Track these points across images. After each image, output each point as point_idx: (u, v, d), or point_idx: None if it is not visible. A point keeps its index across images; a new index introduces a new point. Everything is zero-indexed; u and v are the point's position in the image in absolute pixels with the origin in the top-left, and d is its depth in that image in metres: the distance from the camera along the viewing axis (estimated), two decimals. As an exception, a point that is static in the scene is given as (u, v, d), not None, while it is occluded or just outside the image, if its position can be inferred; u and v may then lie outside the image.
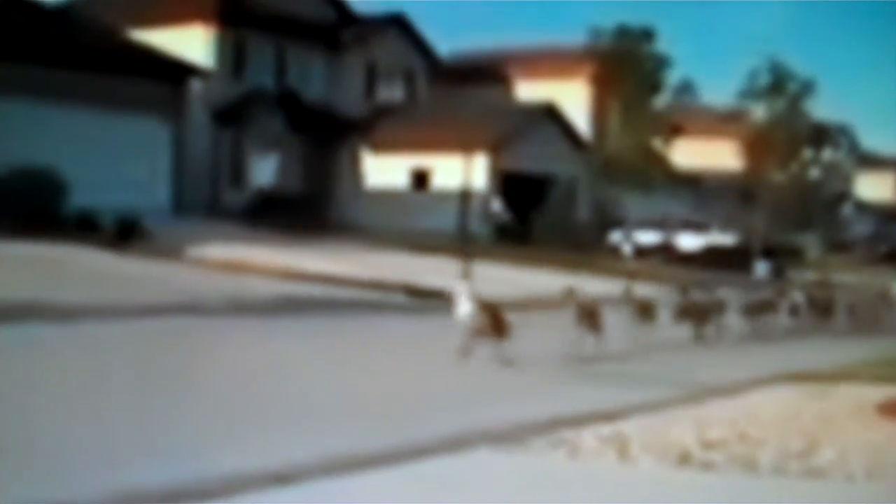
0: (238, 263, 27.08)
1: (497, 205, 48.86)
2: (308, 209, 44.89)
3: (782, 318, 24.03)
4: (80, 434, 9.29)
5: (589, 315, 16.77)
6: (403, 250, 36.70)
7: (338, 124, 50.49)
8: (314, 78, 50.36)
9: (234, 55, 47.24)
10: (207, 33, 46.15)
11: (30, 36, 35.80)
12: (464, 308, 14.95)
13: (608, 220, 54.61)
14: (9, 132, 33.12)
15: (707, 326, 20.99)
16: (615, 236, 53.43)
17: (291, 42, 49.31)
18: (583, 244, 46.71)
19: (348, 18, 52.86)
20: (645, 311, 19.15)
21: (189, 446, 9.02)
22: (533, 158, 50.88)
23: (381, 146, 50.22)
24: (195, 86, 42.31)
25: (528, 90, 58.32)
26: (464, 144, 48.09)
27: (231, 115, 46.31)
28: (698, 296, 22.24)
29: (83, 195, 31.31)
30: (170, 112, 39.60)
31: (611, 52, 57.77)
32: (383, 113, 52.14)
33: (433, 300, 24.39)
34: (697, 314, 20.95)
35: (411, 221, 45.14)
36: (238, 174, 46.96)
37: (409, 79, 55.68)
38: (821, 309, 25.81)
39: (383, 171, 49.83)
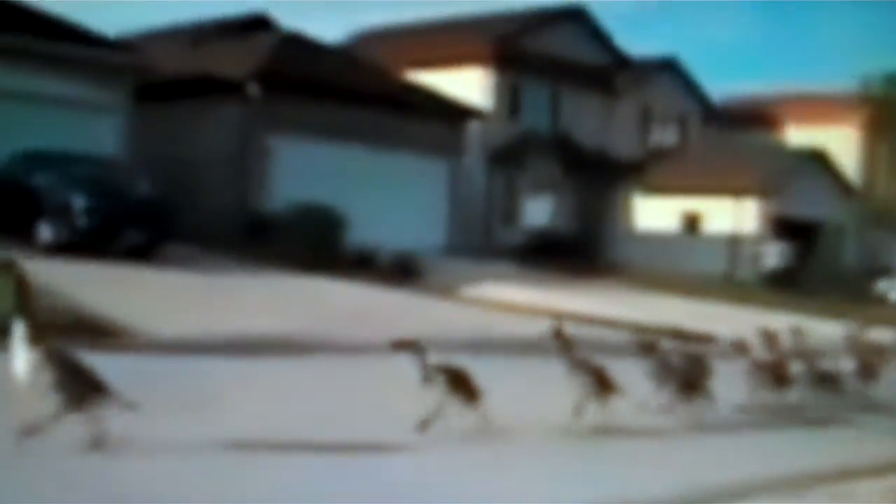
0: (511, 303, 27.65)
1: (775, 252, 48.46)
2: (580, 250, 45.36)
3: None
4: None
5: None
6: (674, 294, 36.82)
7: (611, 167, 50.91)
8: (588, 121, 50.87)
9: (509, 98, 48.10)
10: (485, 76, 47.16)
11: (314, 74, 37.13)
12: (20, 360, 8.82)
13: (875, 267, 53.69)
14: (293, 170, 34.46)
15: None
16: (882, 284, 52.46)
17: (566, 85, 49.95)
18: (850, 292, 46.00)
19: (622, 62, 53.28)
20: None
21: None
22: (802, 204, 50.38)
23: (653, 188, 50.46)
24: (472, 127, 43.18)
25: (797, 135, 57.95)
26: (735, 188, 48.08)
27: (506, 157, 47.11)
28: None
29: (361, 232, 32.34)
30: (448, 153, 40.64)
31: (881, 98, 57.16)
32: (655, 156, 52.46)
33: (702, 345, 24.54)
34: None
35: (681, 264, 45.24)
36: (510, 214, 47.71)
37: (681, 122, 55.81)
38: None
39: (654, 213, 50.03)
